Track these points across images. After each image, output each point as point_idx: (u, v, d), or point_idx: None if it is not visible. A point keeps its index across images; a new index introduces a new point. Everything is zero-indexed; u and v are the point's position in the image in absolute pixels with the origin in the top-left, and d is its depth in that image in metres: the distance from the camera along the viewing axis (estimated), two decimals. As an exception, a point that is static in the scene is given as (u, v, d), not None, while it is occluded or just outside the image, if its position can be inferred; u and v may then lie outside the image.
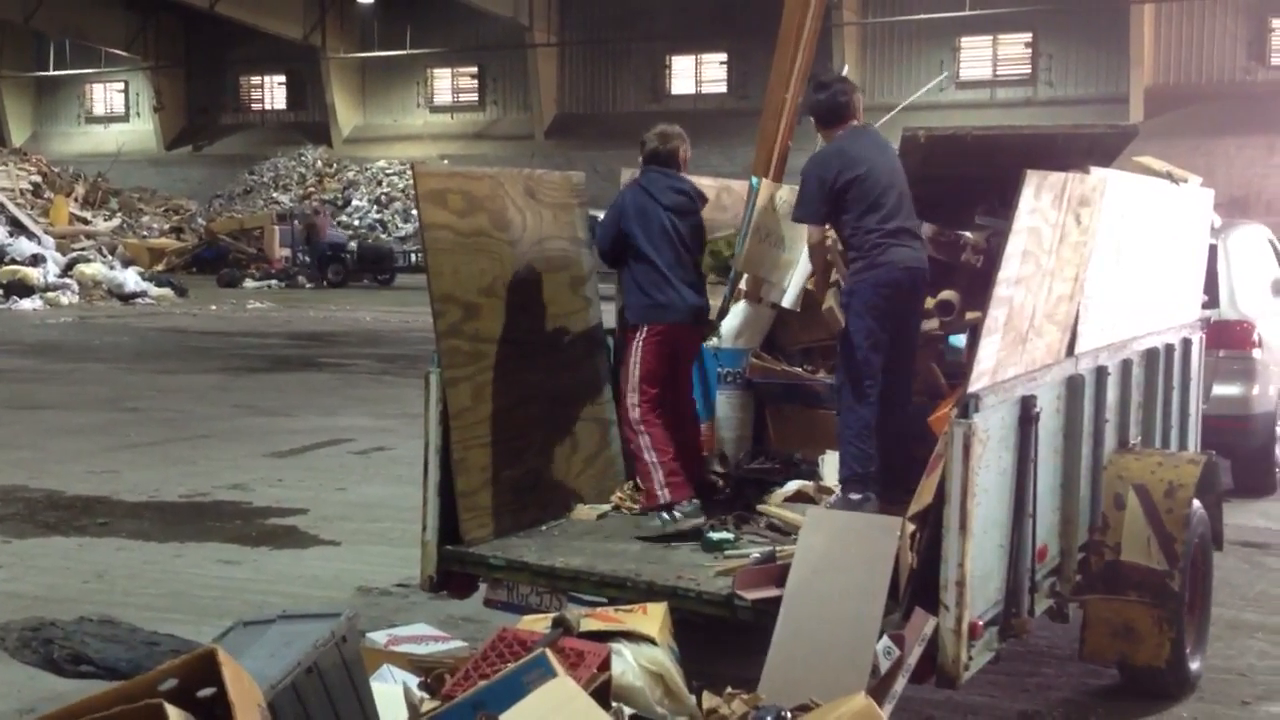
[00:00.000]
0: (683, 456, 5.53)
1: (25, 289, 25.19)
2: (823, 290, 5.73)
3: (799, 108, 6.59)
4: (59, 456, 10.22)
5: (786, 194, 6.20)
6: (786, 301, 6.18)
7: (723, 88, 40.16)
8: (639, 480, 5.57)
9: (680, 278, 5.59)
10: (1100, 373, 5.16)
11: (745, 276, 6.36)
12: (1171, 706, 5.17)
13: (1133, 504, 5.13)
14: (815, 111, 5.61)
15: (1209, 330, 7.10)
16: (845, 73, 6.32)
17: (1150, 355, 5.83)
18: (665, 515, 5.32)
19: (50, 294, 25.36)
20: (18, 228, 29.17)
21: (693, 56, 40.73)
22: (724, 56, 40.04)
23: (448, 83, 45.51)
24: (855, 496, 5.22)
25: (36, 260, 26.51)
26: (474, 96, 44.98)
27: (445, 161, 36.32)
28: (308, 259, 33.08)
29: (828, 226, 5.51)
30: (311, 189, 43.37)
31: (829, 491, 5.50)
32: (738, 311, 6.33)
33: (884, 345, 5.34)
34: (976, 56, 36.30)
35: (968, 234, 6.02)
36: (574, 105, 42.42)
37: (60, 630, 5.73)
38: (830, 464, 5.66)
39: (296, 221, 33.85)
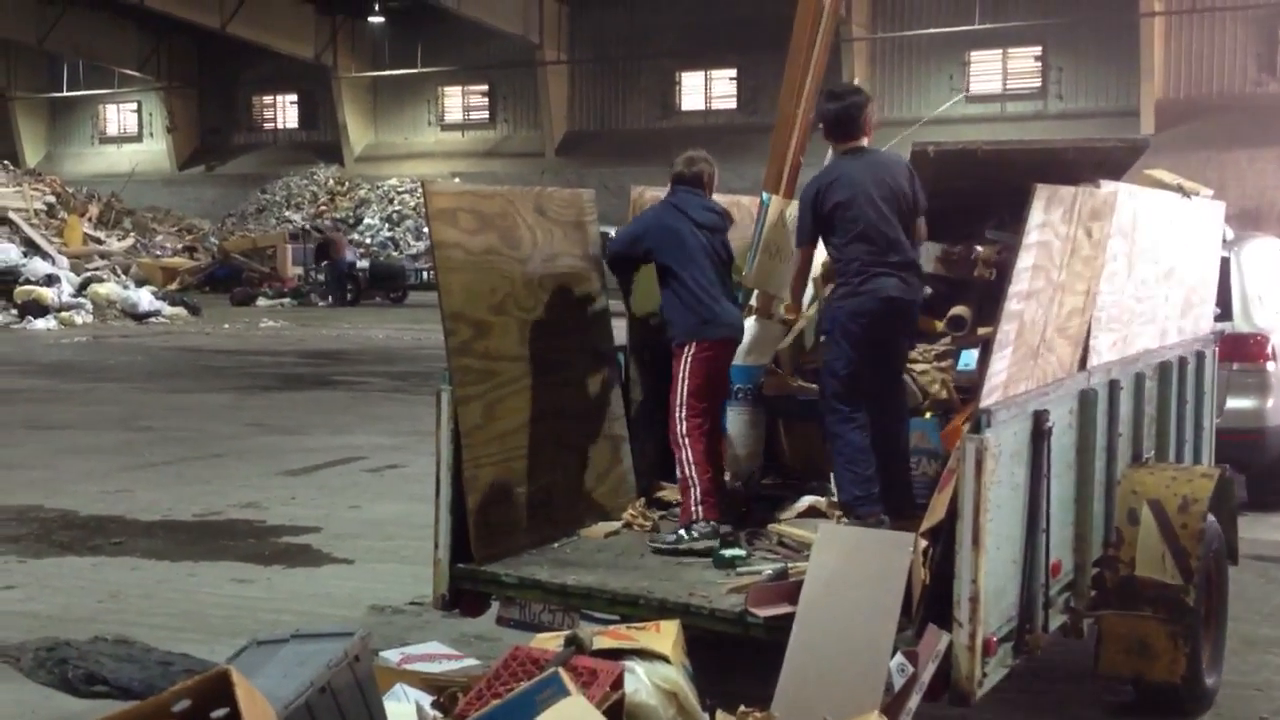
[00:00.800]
0: (715, 469, 5.60)
1: (40, 309, 25.31)
2: (795, 310, 5.88)
3: (810, 123, 6.59)
4: (73, 476, 10.25)
5: (796, 210, 6.21)
6: (796, 316, 6.18)
7: (732, 104, 40.22)
8: (679, 493, 5.60)
9: (724, 294, 5.70)
10: (1113, 386, 5.15)
11: (755, 293, 6.37)
12: (1187, 722, 5.15)
13: (1147, 519, 5.11)
14: (826, 121, 5.62)
15: (1222, 343, 7.08)
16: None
17: (1163, 369, 5.81)
18: (682, 532, 5.33)
19: (64, 314, 25.47)
20: (32, 248, 29.32)
21: (702, 73, 40.81)
22: (733, 72, 40.10)
23: (458, 101, 45.67)
24: (868, 519, 5.22)
25: (51, 280, 26.63)
26: (484, 114, 45.12)
27: (456, 179, 36.41)
28: (322, 277, 33.16)
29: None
30: (324, 207, 43.53)
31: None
32: (748, 328, 6.33)
33: (862, 372, 5.36)
34: (986, 70, 36.30)
35: (979, 248, 6.02)
36: (584, 122, 42.52)
37: (75, 650, 5.74)
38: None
39: (320, 237, 33.90)
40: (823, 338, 5.66)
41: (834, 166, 5.53)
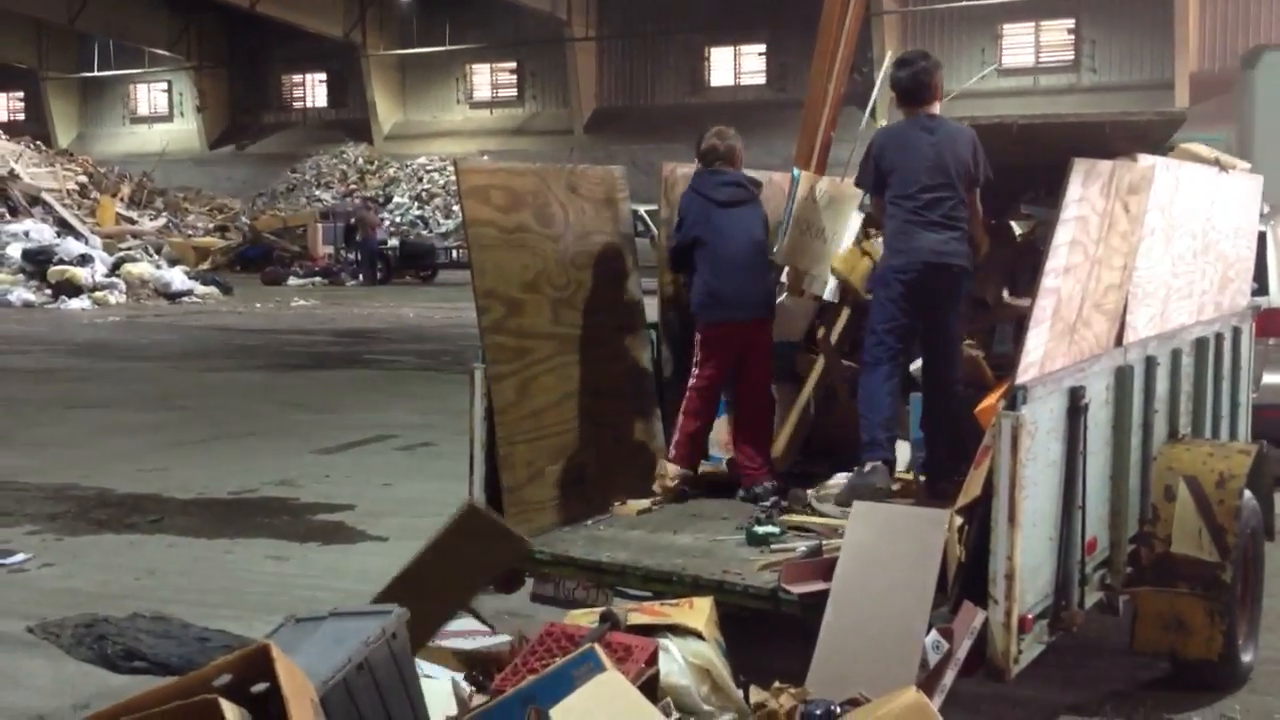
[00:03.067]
0: (755, 442, 5.81)
1: (74, 289, 25.49)
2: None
3: (841, 98, 6.56)
4: (109, 454, 10.35)
5: (827, 185, 6.19)
6: (828, 294, 6.17)
7: (761, 79, 40.05)
8: None
9: (744, 273, 5.76)
10: (1150, 363, 5.11)
11: (786, 269, 6.35)
12: (1223, 699, 5.12)
13: (1183, 495, 5.08)
14: (896, 89, 5.62)
15: (1259, 318, 7.01)
16: (889, 60, 6.26)
17: (1200, 344, 5.76)
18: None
19: (98, 293, 25.65)
20: (65, 228, 29.53)
21: (731, 48, 40.63)
22: (763, 48, 39.91)
23: (487, 78, 45.64)
24: (867, 467, 5.34)
25: (84, 260, 26.81)
26: (513, 92, 45.08)
27: (485, 157, 36.42)
28: (353, 256, 33.25)
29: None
30: (354, 186, 43.65)
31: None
32: (779, 304, 6.31)
33: (907, 331, 5.43)
34: (1019, 43, 36.00)
35: (1013, 223, 5.99)
36: (613, 99, 42.43)
37: (113, 626, 5.80)
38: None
39: (351, 219, 33.96)
40: (869, 295, 5.69)
41: (903, 127, 5.56)
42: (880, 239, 5.80)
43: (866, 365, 5.50)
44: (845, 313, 6.11)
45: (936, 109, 5.54)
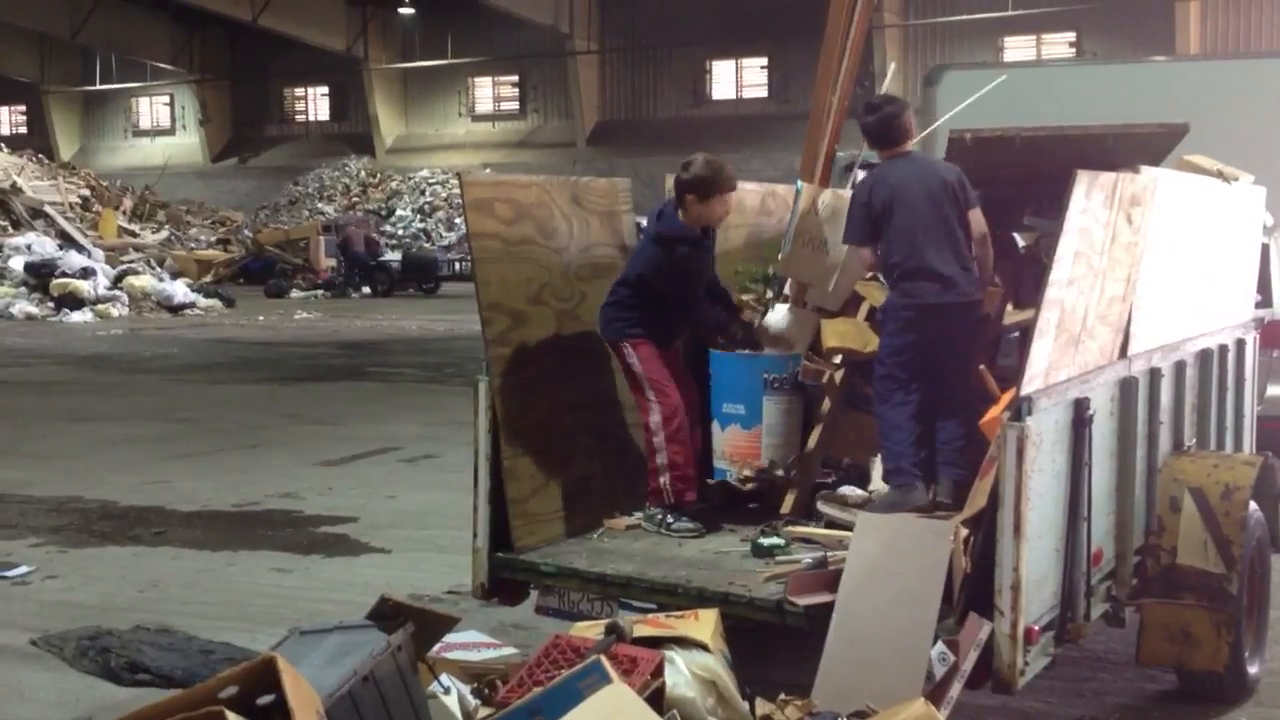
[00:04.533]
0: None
1: (76, 301, 25.52)
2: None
3: (845, 110, 6.57)
4: (112, 467, 10.35)
5: (829, 198, 6.20)
6: (830, 304, 6.17)
7: (764, 92, 40.11)
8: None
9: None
10: (1154, 374, 5.11)
11: (789, 281, 6.35)
12: (1229, 711, 5.11)
13: (1189, 507, 5.08)
14: (867, 134, 5.66)
15: (1263, 330, 7.01)
16: (891, 73, 6.28)
17: (1204, 356, 5.76)
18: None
19: (100, 306, 25.67)
20: (68, 241, 29.59)
21: (733, 61, 40.71)
22: (764, 60, 39.99)
23: (489, 91, 45.73)
24: (902, 487, 5.27)
25: (86, 273, 26.84)
26: (515, 105, 45.16)
27: (487, 170, 36.50)
28: (349, 270, 33.23)
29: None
30: (356, 199, 43.71)
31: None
32: (781, 316, 6.31)
33: (914, 363, 5.37)
34: (1021, 56, 36.03)
35: (1016, 235, 5.98)
36: (615, 112, 42.51)
37: (117, 639, 5.80)
38: (880, 468, 5.65)
39: (333, 233, 34.01)
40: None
41: (881, 170, 5.56)
42: (873, 278, 5.87)
43: (878, 396, 5.45)
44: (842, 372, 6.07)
45: (908, 147, 5.56)
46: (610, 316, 5.63)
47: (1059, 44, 35.62)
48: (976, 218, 5.44)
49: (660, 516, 5.48)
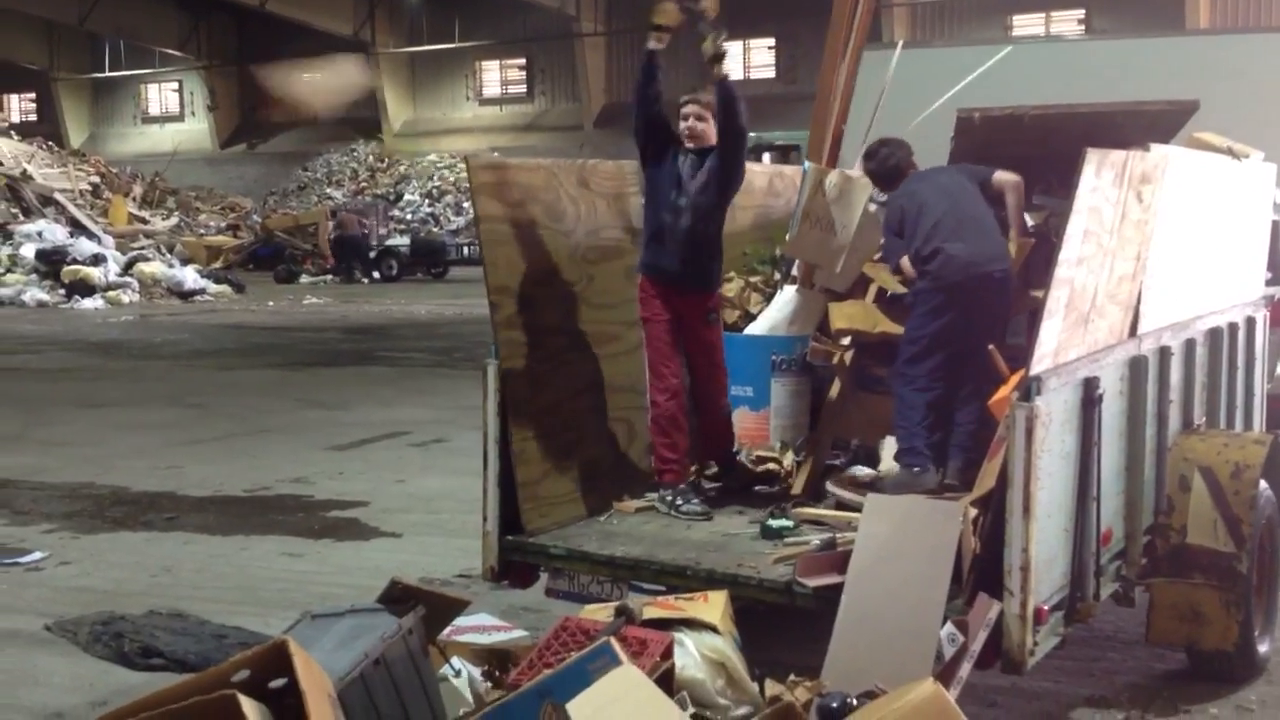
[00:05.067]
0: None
1: (87, 288, 25.59)
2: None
3: (851, 90, 6.55)
4: (124, 453, 10.38)
5: (837, 178, 6.19)
6: (838, 285, 6.16)
7: (771, 72, 39.97)
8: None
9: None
10: (1164, 353, 5.10)
11: (797, 262, 6.35)
12: (1239, 690, 5.11)
13: (1198, 486, 5.07)
14: (872, 177, 5.88)
15: (1273, 308, 6.99)
16: (898, 50, 6.28)
17: (1214, 335, 5.75)
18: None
19: (111, 293, 25.74)
20: (78, 228, 29.63)
21: (741, 42, 40.53)
22: (772, 41, 39.85)
23: (496, 75, 45.66)
24: (914, 468, 5.29)
25: (97, 260, 26.90)
26: (522, 88, 45.08)
27: (495, 154, 36.46)
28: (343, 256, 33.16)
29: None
30: (364, 184, 43.71)
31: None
32: (790, 298, 6.31)
33: (945, 347, 5.38)
34: (1029, 33, 35.83)
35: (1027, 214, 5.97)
36: (623, 94, 42.30)
37: (130, 624, 5.82)
38: (889, 448, 5.65)
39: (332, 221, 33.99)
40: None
41: (900, 192, 5.71)
42: (881, 259, 5.95)
43: (901, 377, 5.46)
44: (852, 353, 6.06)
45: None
46: (719, 268, 5.74)
47: (1068, 21, 35.45)
48: (1000, 175, 5.52)
49: (670, 498, 5.48)
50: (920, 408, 5.37)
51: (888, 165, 5.80)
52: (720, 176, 5.51)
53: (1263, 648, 5.27)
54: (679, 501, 5.45)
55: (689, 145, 5.58)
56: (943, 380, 5.38)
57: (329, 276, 32.29)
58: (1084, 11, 35.08)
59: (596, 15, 41.74)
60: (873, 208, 6.04)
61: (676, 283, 5.55)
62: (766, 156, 19.95)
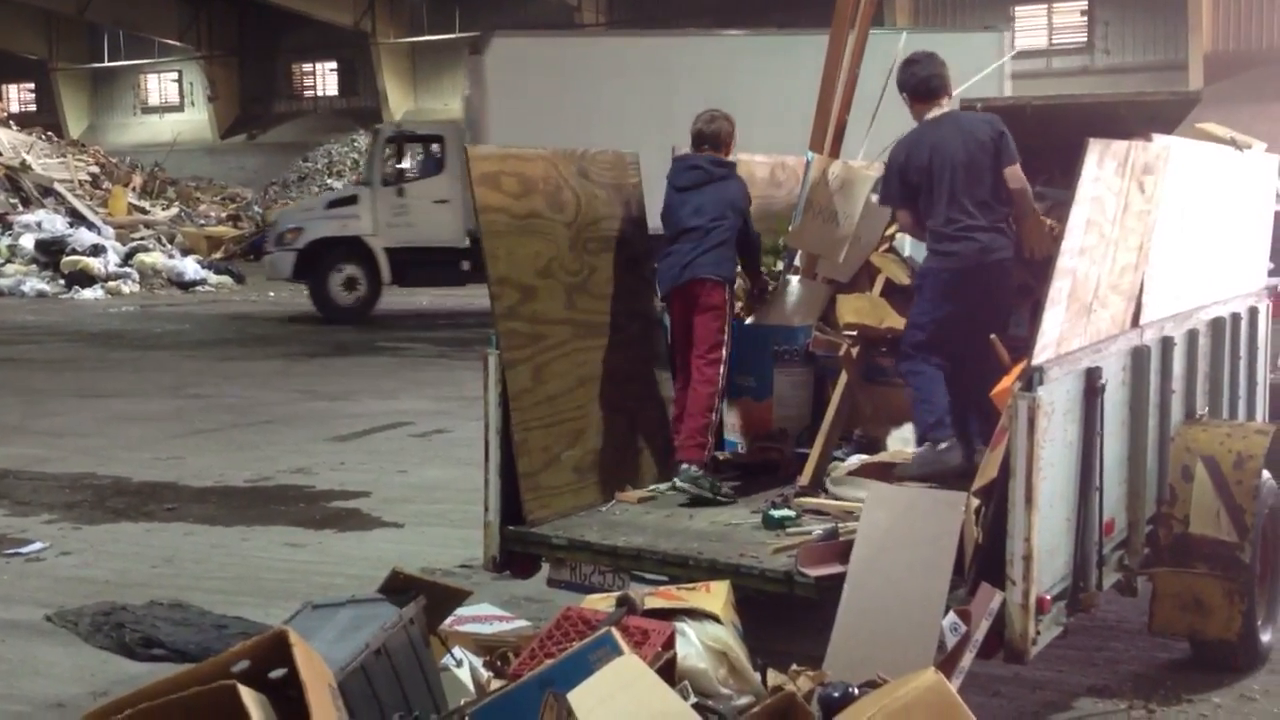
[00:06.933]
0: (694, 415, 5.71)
1: (87, 279, 25.54)
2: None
3: (854, 81, 6.53)
4: (125, 443, 10.38)
5: (839, 169, 6.18)
6: (841, 276, 6.15)
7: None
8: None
9: (681, 248, 5.81)
10: (1166, 343, 5.09)
11: (800, 252, 6.34)
12: (1243, 679, 5.11)
13: (1201, 476, 5.06)
14: (906, 87, 5.62)
15: (1276, 298, 6.98)
16: (903, 43, 6.24)
17: (1217, 325, 5.74)
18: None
19: (111, 283, 25.68)
20: (78, 218, 29.57)
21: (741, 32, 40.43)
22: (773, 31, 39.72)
23: (497, 66, 45.52)
24: (942, 445, 5.24)
25: (97, 250, 26.83)
26: (523, 79, 44.96)
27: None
28: None
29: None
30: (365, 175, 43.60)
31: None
32: (792, 289, 6.30)
33: (949, 328, 5.36)
34: (1032, 26, 35.74)
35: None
36: (623, 85, 42.29)
37: (131, 614, 5.83)
38: (895, 440, 5.64)
39: None
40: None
41: (919, 131, 5.53)
42: (888, 250, 5.90)
43: (909, 360, 5.43)
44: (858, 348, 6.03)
45: (945, 105, 5.54)
46: (730, 257, 5.80)
47: (1070, 13, 35.35)
48: (1015, 173, 5.40)
49: (709, 480, 5.50)
50: (938, 383, 5.35)
51: (927, 78, 5.55)
52: None
53: (1266, 637, 5.27)
54: (715, 482, 5.53)
55: None
56: (953, 364, 5.38)
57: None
58: (1086, 2, 34.99)
59: (598, 6, 41.64)
60: (874, 198, 6.01)
61: None
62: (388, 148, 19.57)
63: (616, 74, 18.69)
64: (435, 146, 20.30)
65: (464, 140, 18.84)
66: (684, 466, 5.58)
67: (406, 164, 20.18)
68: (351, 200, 20.06)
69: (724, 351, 5.73)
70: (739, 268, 5.98)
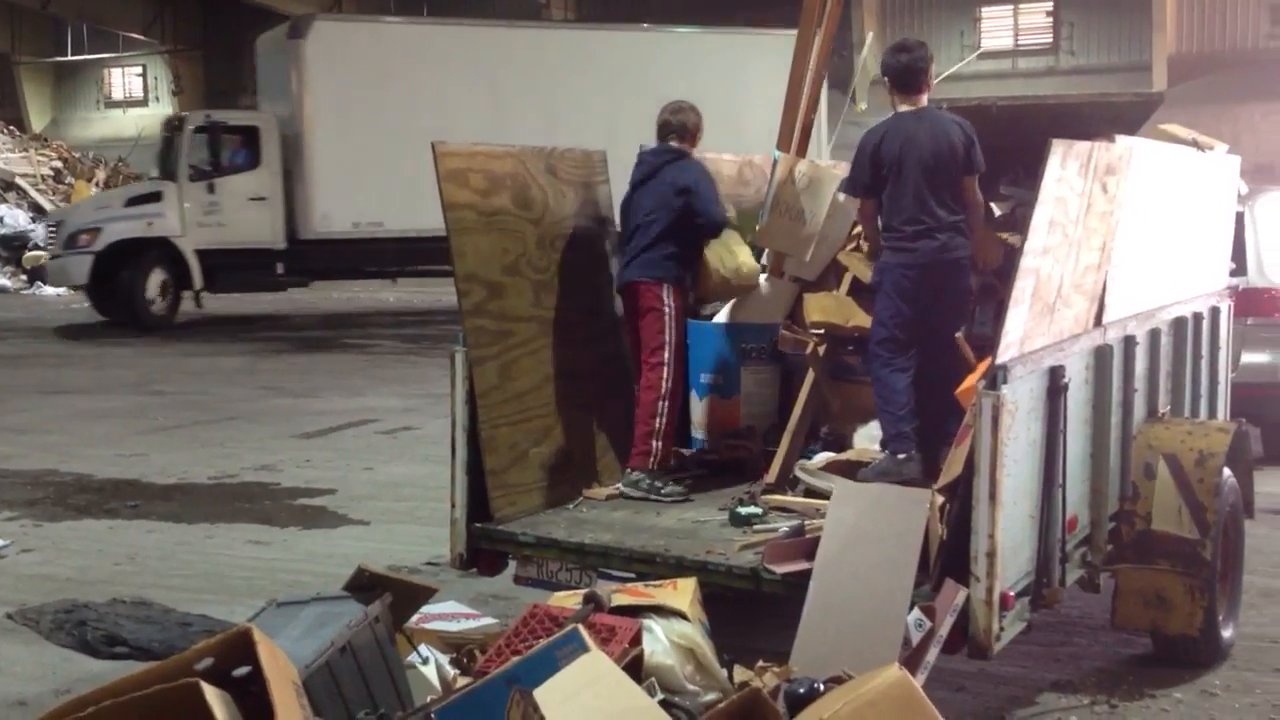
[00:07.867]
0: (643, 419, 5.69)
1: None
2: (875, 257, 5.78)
3: (820, 81, 6.55)
4: (88, 440, 10.29)
5: (806, 168, 6.19)
6: (808, 274, 6.17)
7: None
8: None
9: (634, 245, 5.80)
10: (1129, 342, 5.14)
11: (767, 251, 6.35)
12: (1204, 675, 5.16)
13: (1163, 473, 5.11)
14: (892, 74, 5.58)
15: (1237, 298, 7.05)
16: (870, 42, 6.26)
17: (1179, 324, 5.79)
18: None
19: (74, 279, 25.44)
20: (40, 214, 29.30)
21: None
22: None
23: (465, 61, 45.39)
24: (900, 455, 5.27)
25: (60, 246, 26.57)
26: (491, 74, 44.84)
27: (464, 141, 36.26)
28: None
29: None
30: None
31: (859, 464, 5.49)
32: (760, 287, 6.31)
33: (912, 324, 5.38)
34: (997, 26, 35.92)
35: (992, 205, 5.99)
36: (591, 82, 42.26)
37: (94, 612, 5.78)
38: (862, 438, 5.67)
39: None
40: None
41: (893, 122, 5.51)
42: (855, 249, 5.87)
43: (878, 360, 5.43)
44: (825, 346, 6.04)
45: (924, 100, 5.53)
46: (666, 254, 5.71)
47: (1036, 13, 35.57)
48: (970, 186, 5.42)
49: (649, 481, 5.49)
50: (903, 391, 5.36)
51: (913, 68, 5.50)
52: None
53: (1226, 633, 5.33)
54: (658, 484, 5.50)
55: None
56: (917, 362, 5.40)
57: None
58: (1052, 3, 35.20)
59: (566, 3, 41.58)
60: (841, 198, 6.02)
61: None
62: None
63: (440, 62, 18.36)
64: (248, 137, 18.58)
65: (279, 130, 18.12)
66: (626, 472, 5.61)
67: (218, 157, 18.36)
68: (155, 197, 18.28)
69: (666, 353, 5.66)
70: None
